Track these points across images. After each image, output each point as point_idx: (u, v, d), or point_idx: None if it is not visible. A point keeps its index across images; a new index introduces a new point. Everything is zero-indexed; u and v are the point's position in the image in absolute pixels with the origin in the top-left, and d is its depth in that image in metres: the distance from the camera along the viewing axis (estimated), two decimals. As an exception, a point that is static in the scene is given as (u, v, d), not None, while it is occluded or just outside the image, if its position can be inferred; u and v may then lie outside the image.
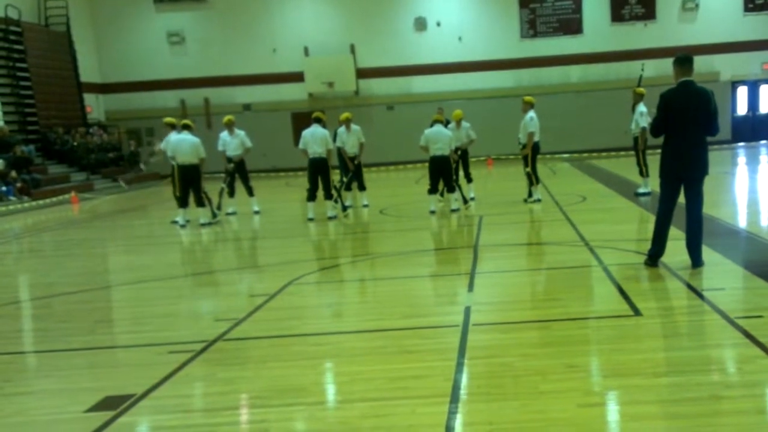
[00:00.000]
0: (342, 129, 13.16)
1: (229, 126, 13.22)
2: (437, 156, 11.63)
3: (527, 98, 12.60)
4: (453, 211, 12.02)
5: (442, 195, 12.74)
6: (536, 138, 12.35)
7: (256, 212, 13.56)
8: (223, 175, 13.64)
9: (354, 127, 13.25)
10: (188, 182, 11.95)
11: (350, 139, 13.12)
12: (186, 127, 12.08)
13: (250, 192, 13.51)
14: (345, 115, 13.33)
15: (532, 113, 12.28)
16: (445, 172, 11.80)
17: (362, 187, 13.53)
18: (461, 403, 3.98)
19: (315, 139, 11.71)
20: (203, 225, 12.14)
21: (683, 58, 6.60)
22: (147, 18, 26.62)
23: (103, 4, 26.61)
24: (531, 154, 12.36)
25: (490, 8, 26.42)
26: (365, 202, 13.63)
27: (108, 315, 6.88)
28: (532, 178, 12.54)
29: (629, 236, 9.12)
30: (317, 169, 11.84)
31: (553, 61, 26.17)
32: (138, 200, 19.18)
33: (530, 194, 12.71)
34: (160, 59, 26.69)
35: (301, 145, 11.88)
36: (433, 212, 11.99)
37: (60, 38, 24.38)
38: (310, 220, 12.01)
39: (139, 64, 26.56)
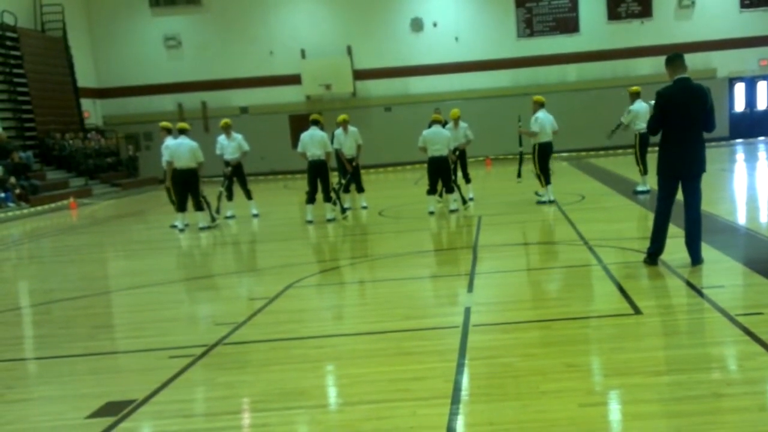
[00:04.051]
0: (339, 131, 13.13)
1: (227, 129, 13.22)
2: (436, 156, 11.64)
3: (535, 98, 12.52)
4: (452, 211, 12.02)
5: (440, 196, 12.73)
6: (543, 139, 12.20)
7: (255, 215, 13.55)
8: (221, 178, 13.64)
9: (351, 128, 13.22)
10: (187, 186, 11.94)
11: (348, 141, 13.10)
12: (183, 131, 12.05)
13: (249, 195, 13.51)
14: (342, 117, 13.31)
15: (538, 113, 12.20)
16: (443, 173, 11.81)
17: (360, 189, 13.52)
18: (462, 404, 3.97)
19: (313, 141, 11.72)
20: (202, 229, 12.13)
21: (672, 56, 6.61)
22: (143, 22, 26.62)
23: (99, 9, 26.60)
24: (538, 155, 12.24)
25: (486, 8, 26.42)
26: (364, 204, 13.62)
27: (108, 320, 6.88)
28: (540, 179, 12.41)
29: (628, 234, 9.12)
30: (316, 171, 11.83)
31: (550, 60, 26.18)
32: (136, 205, 19.17)
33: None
34: (156, 63, 26.69)
35: (299, 148, 11.87)
36: (431, 213, 11.99)
37: (56, 43, 24.36)
38: (309, 222, 12.01)
39: (136, 69, 26.55)
